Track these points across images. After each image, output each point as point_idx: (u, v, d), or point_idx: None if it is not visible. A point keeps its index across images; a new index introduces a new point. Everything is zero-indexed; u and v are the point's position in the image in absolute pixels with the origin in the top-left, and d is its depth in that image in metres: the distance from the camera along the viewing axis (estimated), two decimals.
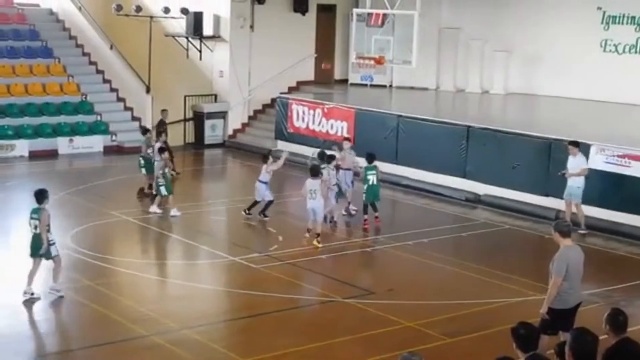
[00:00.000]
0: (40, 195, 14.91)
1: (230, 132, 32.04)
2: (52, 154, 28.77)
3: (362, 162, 21.38)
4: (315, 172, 18.75)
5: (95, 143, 29.69)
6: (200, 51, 32.14)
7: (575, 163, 20.11)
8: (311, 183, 18.62)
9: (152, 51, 30.96)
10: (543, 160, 22.20)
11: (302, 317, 14.71)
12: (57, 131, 29.68)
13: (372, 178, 20.47)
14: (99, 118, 30.99)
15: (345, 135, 26.72)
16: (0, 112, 29.58)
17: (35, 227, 14.89)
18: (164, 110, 26.65)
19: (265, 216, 20.81)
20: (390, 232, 20.12)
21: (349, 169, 21.71)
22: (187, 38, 32.04)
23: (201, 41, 31.93)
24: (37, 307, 15.03)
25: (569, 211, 20.24)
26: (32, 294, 14.94)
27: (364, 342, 13.47)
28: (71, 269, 16.91)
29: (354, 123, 27.28)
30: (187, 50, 32.37)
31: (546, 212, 21.46)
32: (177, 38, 32.30)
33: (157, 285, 16.44)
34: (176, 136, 31.34)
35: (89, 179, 24.94)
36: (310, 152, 24.63)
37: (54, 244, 15.09)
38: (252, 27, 32.10)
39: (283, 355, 12.87)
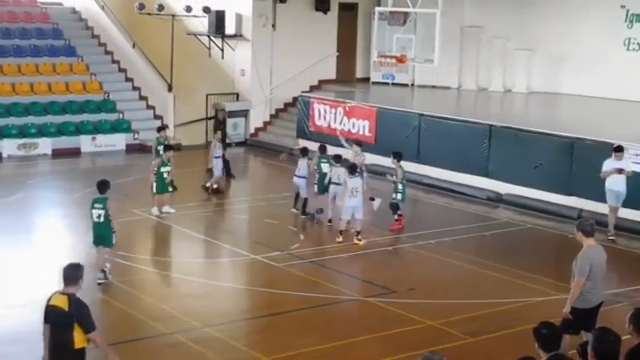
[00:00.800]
0: (103, 186, 15.70)
1: (252, 130, 32.10)
2: (75, 152, 28.93)
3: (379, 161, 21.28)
4: (353, 170, 18.78)
5: (118, 141, 29.82)
6: (222, 50, 32.21)
7: (614, 165, 19.40)
8: (352, 181, 18.60)
9: (174, 50, 31.05)
10: (565, 159, 22.09)
11: (323, 315, 14.70)
12: (79, 129, 29.85)
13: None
14: (121, 116, 31.14)
15: (367, 134, 26.78)
16: (23, 111, 29.78)
17: (99, 217, 15.51)
18: (161, 129, 24.30)
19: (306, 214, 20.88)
20: (412, 231, 20.09)
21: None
22: (209, 37, 32.13)
23: (223, 40, 32.00)
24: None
25: (614, 217, 19.79)
26: (106, 278, 15.74)
27: (384, 341, 13.46)
28: (94, 267, 16.99)
29: (376, 122, 27.26)
30: (209, 48, 32.45)
31: (569, 212, 21.36)
32: (199, 37, 32.39)
33: (179, 283, 16.48)
34: (198, 135, 31.47)
35: (111, 177, 24.74)
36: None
37: (115, 231, 15.85)
38: (274, 25, 32.14)
39: (304, 354, 12.87)
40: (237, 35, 31.88)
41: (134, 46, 32.98)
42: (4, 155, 27.72)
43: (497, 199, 23.42)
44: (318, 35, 32.98)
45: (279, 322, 14.44)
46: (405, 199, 20.47)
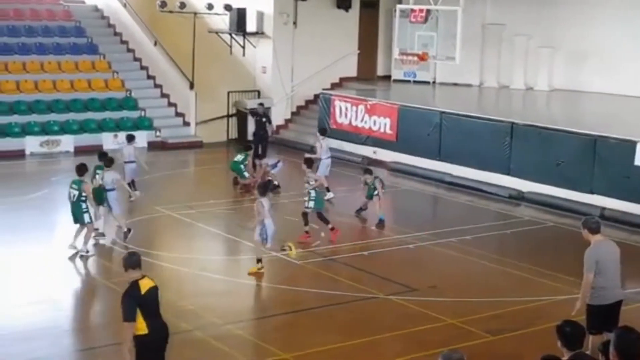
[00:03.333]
0: (80, 169, 17.26)
1: (273, 128, 32.07)
2: (97, 150, 28.92)
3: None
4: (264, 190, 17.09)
5: (140, 139, 29.86)
6: (243, 47, 32.25)
7: None
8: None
9: (196, 47, 31.12)
10: (588, 157, 21.98)
11: (343, 313, 14.69)
12: (102, 127, 29.97)
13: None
14: (143, 114, 31.24)
15: (389, 131, 26.74)
16: (46, 108, 29.94)
17: (73, 197, 17.06)
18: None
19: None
20: (433, 229, 20.04)
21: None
22: (230, 34, 32.18)
23: (244, 37, 32.03)
24: (82, 301, 15.23)
25: None
26: (87, 251, 17.32)
27: (405, 339, 13.44)
28: (116, 263, 17.06)
29: (397, 119, 27.22)
30: (230, 46, 32.50)
31: (591, 210, 21.19)
32: (220, 34, 32.45)
33: (200, 280, 16.51)
34: (219, 132, 31.53)
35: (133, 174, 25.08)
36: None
37: (87, 211, 17.17)
38: (295, 23, 32.14)
39: (324, 352, 12.87)
40: (259, 33, 31.91)
41: (155, 44, 33.07)
42: (27, 152, 27.88)
43: (519, 197, 23.32)
44: (339, 33, 32.95)
45: (300, 319, 14.44)
46: (323, 205, 19.28)
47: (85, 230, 17.34)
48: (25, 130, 28.79)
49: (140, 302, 9.88)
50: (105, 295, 15.48)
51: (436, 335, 13.42)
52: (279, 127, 31.95)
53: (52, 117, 29.64)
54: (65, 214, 21.33)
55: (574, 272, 16.14)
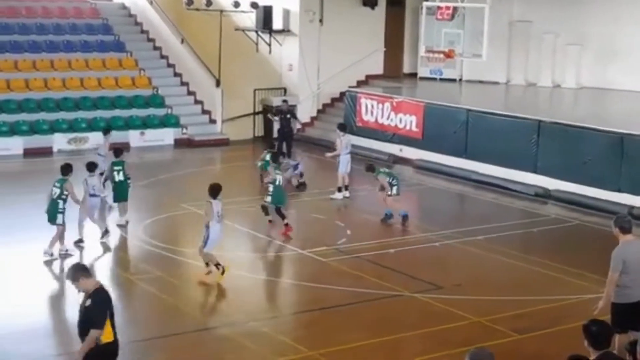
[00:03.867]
0: (65, 169, 17.29)
1: (298, 125, 32.13)
2: (124, 147, 29.09)
3: None
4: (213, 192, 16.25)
5: (166, 136, 30.06)
6: (269, 45, 32.30)
7: None
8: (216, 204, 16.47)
9: (222, 45, 31.20)
10: (615, 156, 21.84)
11: (369, 311, 14.70)
12: (128, 124, 30.13)
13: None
14: (169, 111, 31.37)
15: (415, 129, 26.71)
16: (74, 106, 30.14)
17: (54, 194, 17.00)
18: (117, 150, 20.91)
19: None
20: (459, 226, 19.99)
21: None
22: (256, 32, 32.24)
23: (271, 35, 32.08)
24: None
25: None
26: (67, 249, 17.20)
27: (430, 337, 13.43)
28: (142, 261, 17.22)
29: (423, 117, 27.17)
30: (256, 44, 32.57)
31: (618, 208, 21.04)
32: (246, 32, 32.51)
33: (227, 277, 16.54)
34: (245, 130, 31.60)
35: (159, 171, 25.27)
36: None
37: (63, 212, 17.02)
38: (321, 21, 32.14)
39: (350, 349, 12.89)
40: (285, 31, 31.95)
41: (182, 41, 33.19)
42: (55, 149, 28.07)
43: (545, 195, 23.21)
44: (365, 31, 32.91)
45: (325, 317, 14.46)
46: (282, 200, 19.49)
47: (57, 231, 17.07)
48: (53, 127, 29.01)
49: (110, 309, 9.78)
50: (135, 291, 15.57)
51: (461, 334, 13.40)
52: (304, 124, 31.97)
53: (80, 114, 29.83)
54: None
55: (601, 271, 16.02)
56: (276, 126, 28.93)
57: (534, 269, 16.96)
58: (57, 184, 17.11)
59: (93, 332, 9.53)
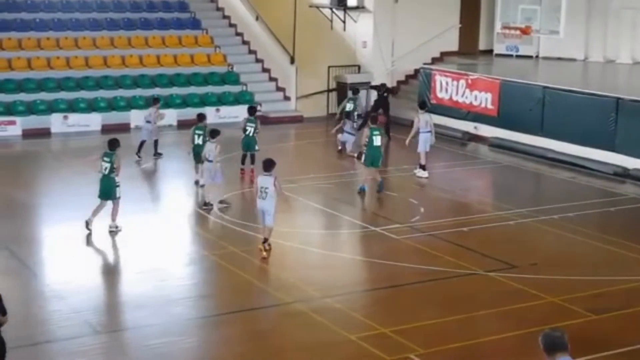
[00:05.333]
0: (112, 143, 17.45)
1: (372, 102, 32.03)
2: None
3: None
4: (266, 167, 16.34)
5: (241, 113, 30.02)
6: (344, 22, 32.23)
7: None
8: (262, 180, 16.64)
9: (297, 22, 31.21)
10: None
11: (442, 289, 14.65)
12: (204, 101, 30.39)
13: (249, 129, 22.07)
14: (244, 88, 31.56)
15: (490, 106, 26.46)
16: (150, 83, 30.51)
17: (105, 169, 17.19)
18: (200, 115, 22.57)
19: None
20: (534, 205, 19.78)
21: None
22: (331, 9, 32.19)
23: (345, 12, 32.00)
24: (185, 272, 15.55)
25: None
26: (117, 226, 17.28)
27: (505, 316, 13.34)
28: (217, 236, 17.41)
29: (499, 94, 26.87)
30: (331, 21, 32.52)
31: None
32: (321, 9, 32.48)
33: (300, 254, 16.67)
34: (319, 107, 31.65)
35: (233, 148, 25.37)
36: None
37: (118, 186, 17.24)
38: None
39: (423, 327, 12.88)
40: (359, 7, 31.83)
41: (257, 19, 33.30)
42: (132, 125, 28.47)
43: (623, 174, 22.81)
44: (440, 7, 32.61)
45: (399, 294, 14.46)
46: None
47: (114, 205, 17.26)
48: (130, 104, 29.43)
49: None
50: (210, 267, 15.77)
51: (536, 313, 13.28)
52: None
53: (156, 91, 30.14)
54: (171, 186, 21.92)
55: None
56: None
57: (611, 249, 16.70)
58: (107, 159, 17.27)
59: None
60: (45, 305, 13.71)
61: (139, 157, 23.60)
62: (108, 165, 17.18)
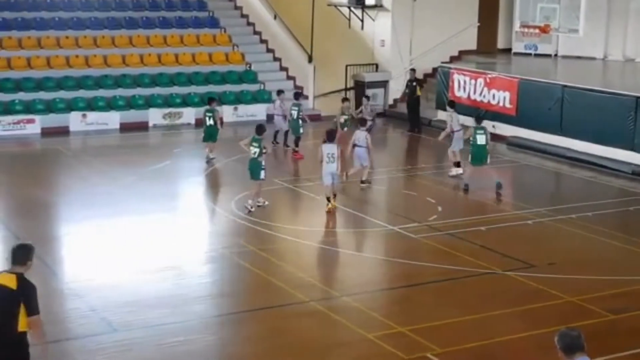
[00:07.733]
0: (260, 129, 19.02)
1: (390, 101, 32.05)
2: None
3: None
4: (329, 137, 19.12)
5: (259, 111, 30.26)
6: (362, 20, 32.22)
7: None
8: (327, 147, 18.80)
9: (315, 21, 31.25)
10: None
11: (461, 288, 14.63)
12: (222, 100, 30.41)
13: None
14: (262, 87, 31.60)
15: (508, 105, 26.38)
16: (169, 81, 30.61)
17: (255, 153, 18.69)
18: (210, 99, 24.91)
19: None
20: (553, 204, 19.72)
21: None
22: (349, 7, 32.19)
23: (363, 10, 31.99)
24: (203, 270, 15.59)
25: None
26: (259, 204, 18.81)
27: (523, 315, 13.31)
28: (235, 234, 17.44)
29: (517, 93, 26.79)
30: (349, 19, 32.52)
31: None
32: (339, 7, 32.48)
33: (318, 253, 16.69)
34: (337, 105, 31.57)
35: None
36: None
37: (265, 168, 18.79)
38: None
39: (441, 326, 12.87)
40: (377, 6, 31.82)
41: (275, 17, 33.35)
42: (150, 124, 28.58)
43: None
44: (459, 5, 32.55)
45: (417, 293, 14.46)
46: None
47: (257, 186, 18.79)
48: (149, 102, 29.54)
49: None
50: (228, 265, 15.81)
51: (555, 313, 13.24)
52: (396, 100, 31.86)
53: (175, 90, 30.29)
54: (188, 184, 21.97)
55: None
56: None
57: (630, 249, 16.64)
58: (255, 144, 18.71)
59: (39, 318, 9.18)
60: (64, 303, 13.78)
61: (276, 143, 25.47)
62: (257, 149, 18.64)
